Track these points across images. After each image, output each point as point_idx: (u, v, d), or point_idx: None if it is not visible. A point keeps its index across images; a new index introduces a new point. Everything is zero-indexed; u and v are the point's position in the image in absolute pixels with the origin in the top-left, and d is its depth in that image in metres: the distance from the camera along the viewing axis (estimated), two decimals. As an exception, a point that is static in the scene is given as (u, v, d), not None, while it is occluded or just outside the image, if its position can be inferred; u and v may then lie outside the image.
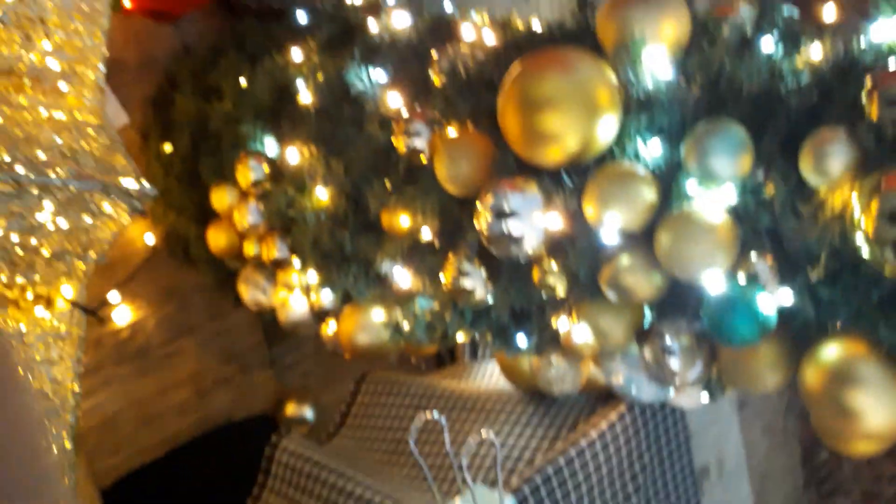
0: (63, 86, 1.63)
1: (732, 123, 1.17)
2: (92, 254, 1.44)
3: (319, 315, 2.14)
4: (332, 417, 2.39)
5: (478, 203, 1.40)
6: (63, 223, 1.36)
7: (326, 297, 2.07)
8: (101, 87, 1.67)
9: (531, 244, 1.31)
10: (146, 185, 1.37)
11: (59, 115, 1.44)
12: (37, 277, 1.43)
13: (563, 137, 1.27)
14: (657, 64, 1.33)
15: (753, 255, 1.11)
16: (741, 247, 1.13)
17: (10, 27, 1.67)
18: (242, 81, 2.30)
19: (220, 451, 2.49)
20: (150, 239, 2.67)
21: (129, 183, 1.36)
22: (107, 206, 1.36)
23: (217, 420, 2.66)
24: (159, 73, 2.75)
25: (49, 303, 1.72)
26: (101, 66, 1.71)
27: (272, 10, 2.71)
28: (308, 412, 2.69)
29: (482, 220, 1.38)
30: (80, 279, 1.56)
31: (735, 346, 1.14)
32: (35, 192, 1.27)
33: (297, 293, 2.16)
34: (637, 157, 1.27)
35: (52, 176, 1.27)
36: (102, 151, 1.37)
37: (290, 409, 2.68)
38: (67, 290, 1.71)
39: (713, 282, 1.13)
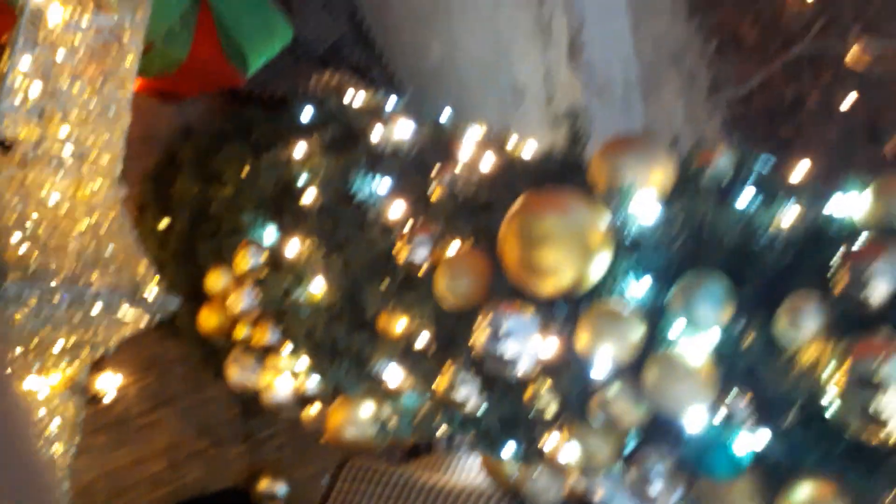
0: (83, 178, 1.69)
1: (717, 276, 1.27)
2: (104, 347, 1.49)
3: (304, 399, 2.19)
4: (305, 495, 2.39)
5: (478, 319, 1.48)
6: (84, 322, 1.41)
7: (313, 384, 2.12)
8: (120, 181, 1.74)
9: (525, 367, 1.39)
10: (170, 297, 1.43)
11: (82, 214, 1.50)
12: (45, 363, 1.47)
13: (558, 272, 1.37)
14: (645, 208, 1.44)
15: (732, 395, 1.20)
16: (721, 387, 1.23)
17: (33, 118, 1.75)
18: (245, 170, 2.37)
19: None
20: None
21: (153, 293, 1.42)
22: (128, 311, 1.41)
23: (190, 493, 2.65)
24: (160, 149, 2.82)
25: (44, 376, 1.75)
26: (120, 162, 1.79)
27: (277, 99, 2.82)
28: (281, 488, 2.69)
29: (479, 338, 1.46)
30: (84, 363, 1.60)
31: (713, 480, 1.23)
32: (65, 302, 1.33)
33: (284, 376, 2.20)
34: (626, 294, 1.37)
35: (83, 286, 1.32)
36: (124, 256, 1.43)
37: (264, 484, 2.68)
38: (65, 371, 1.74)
39: (694, 419, 1.22)
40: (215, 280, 2.27)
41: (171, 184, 2.65)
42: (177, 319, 2.65)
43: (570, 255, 1.37)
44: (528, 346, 1.39)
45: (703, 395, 1.22)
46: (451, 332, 1.63)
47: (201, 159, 2.58)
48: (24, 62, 1.74)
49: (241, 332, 2.22)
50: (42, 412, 1.68)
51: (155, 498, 2.60)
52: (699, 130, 3.60)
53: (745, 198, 1.48)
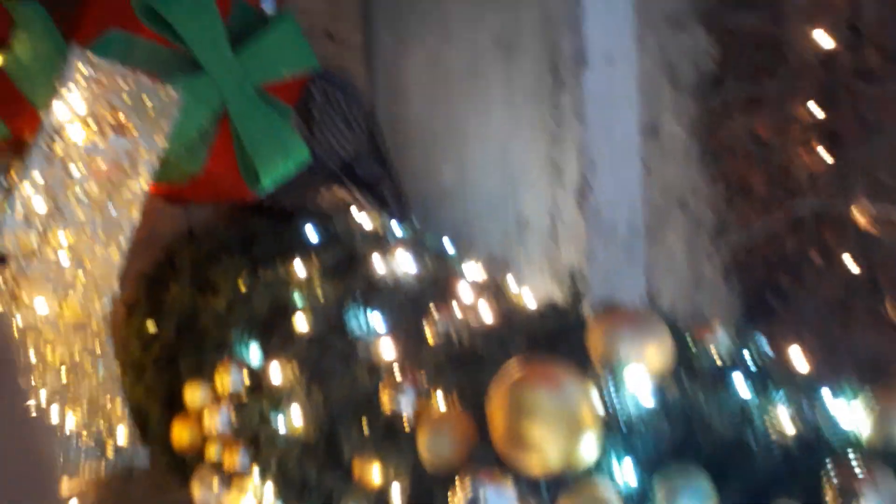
0: (74, 296, 1.69)
1: (702, 476, 1.25)
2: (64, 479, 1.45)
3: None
4: None
5: (456, 483, 1.44)
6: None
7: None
8: (112, 300, 1.74)
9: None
10: (139, 449, 1.40)
11: (67, 340, 1.49)
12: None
13: (544, 449, 1.33)
14: (639, 388, 1.43)
15: None
16: None
17: (33, 233, 1.76)
18: (241, 284, 2.38)
19: None
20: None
21: (123, 441, 1.39)
22: (93, 455, 1.38)
23: None
24: (159, 250, 2.83)
25: None
26: (115, 281, 1.79)
27: (284, 212, 2.85)
28: None
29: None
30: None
31: None
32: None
33: (249, 499, 2.13)
34: (612, 476, 1.34)
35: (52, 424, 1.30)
36: (101, 395, 1.41)
37: None
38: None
39: None
40: (193, 394, 2.24)
41: (165, 287, 2.65)
42: (149, 426, 2.61)
43: (558, 432, 1.34)
44: (504, 524, 1.35)
45: None
46: (428, 491, 1.58)
47: (199, 267, 2.59)
48: (36, 177, 1.76)
49: (211, 450, 2.17)
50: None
51: None
52: (699, 274, 3.62)
53: (740, 386, 1.46)
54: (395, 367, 1.77)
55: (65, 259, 1.80)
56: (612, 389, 1.41)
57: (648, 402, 1.41)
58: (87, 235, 1.83)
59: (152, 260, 2.82)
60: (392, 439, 1.67)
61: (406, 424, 1.65)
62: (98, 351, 1.68)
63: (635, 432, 1.36)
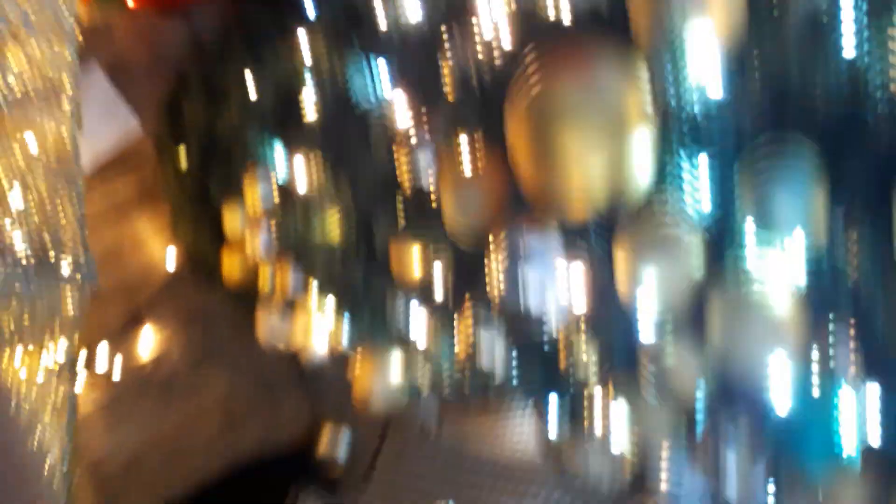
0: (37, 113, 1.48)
1: (801, 150, 0.89)
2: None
3: (342, 358, 1.96)
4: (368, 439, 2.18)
5: (490, 245, 1.17)
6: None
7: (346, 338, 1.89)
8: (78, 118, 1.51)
9: (552, 302, 1.07)
10: (88, 260, 1.21)
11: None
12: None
13: (583, 167, 1.00)
14: (704, 59, 1.04)
15: (830, 341, 0.84)
16: (814, 331, 0.87)
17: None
18: (249, 84, 2.10)
19: (250, 492, 2.36)
20: (172, 258, 2.54)
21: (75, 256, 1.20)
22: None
23: (248, 452, 2.52)
24: (169, 72, 2.59)
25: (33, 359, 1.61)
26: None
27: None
28: (344, 438, 2.48)
29: (494, 271, 1.15)
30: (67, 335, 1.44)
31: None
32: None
33: (316, 325, 1.98)
34: (679, 195, 1.01)
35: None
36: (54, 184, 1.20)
37: (324, 442, 2.48)
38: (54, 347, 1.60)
39: (777, 393, 0.86)
40: (232, 219, 2.06)
41: (183, 112, 2.43)
42: (212, 266, 2.49)
43: (596, 137, 1.00)
44: (552, 272, 1.07)
45: (785, 336, 0.86)
46: (471, 262, 1.31)
47: (208, 77, 2.33)
48: None
49: (265, 279, 2.01)
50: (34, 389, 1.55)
51: (211, 460, 2.48)
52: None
53: (847, 37, 1.05)
54: (410, 121, 1.47)
55: (24, 72, 1.57)
56: (667, 64, 1.03)
57: (719, 77, 1.03)
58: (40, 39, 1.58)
59: (165, 85, 2.59)
60: (423, 216, 1.40)
61: (433, 198, 1.36)
62: (64, 129, 1.47)
63: (707, 122, 1.00)
